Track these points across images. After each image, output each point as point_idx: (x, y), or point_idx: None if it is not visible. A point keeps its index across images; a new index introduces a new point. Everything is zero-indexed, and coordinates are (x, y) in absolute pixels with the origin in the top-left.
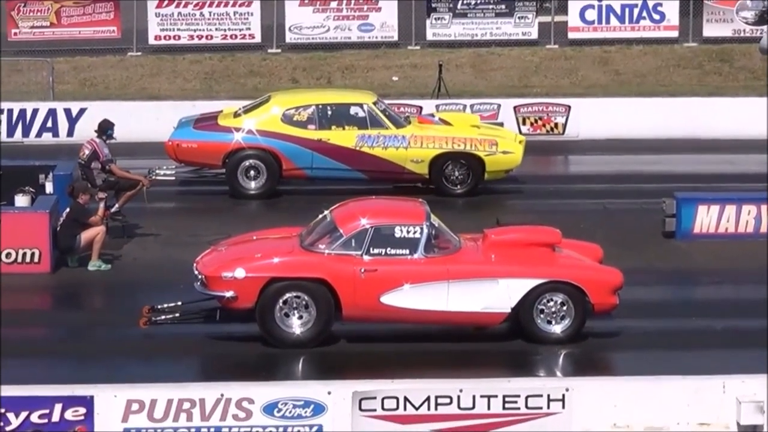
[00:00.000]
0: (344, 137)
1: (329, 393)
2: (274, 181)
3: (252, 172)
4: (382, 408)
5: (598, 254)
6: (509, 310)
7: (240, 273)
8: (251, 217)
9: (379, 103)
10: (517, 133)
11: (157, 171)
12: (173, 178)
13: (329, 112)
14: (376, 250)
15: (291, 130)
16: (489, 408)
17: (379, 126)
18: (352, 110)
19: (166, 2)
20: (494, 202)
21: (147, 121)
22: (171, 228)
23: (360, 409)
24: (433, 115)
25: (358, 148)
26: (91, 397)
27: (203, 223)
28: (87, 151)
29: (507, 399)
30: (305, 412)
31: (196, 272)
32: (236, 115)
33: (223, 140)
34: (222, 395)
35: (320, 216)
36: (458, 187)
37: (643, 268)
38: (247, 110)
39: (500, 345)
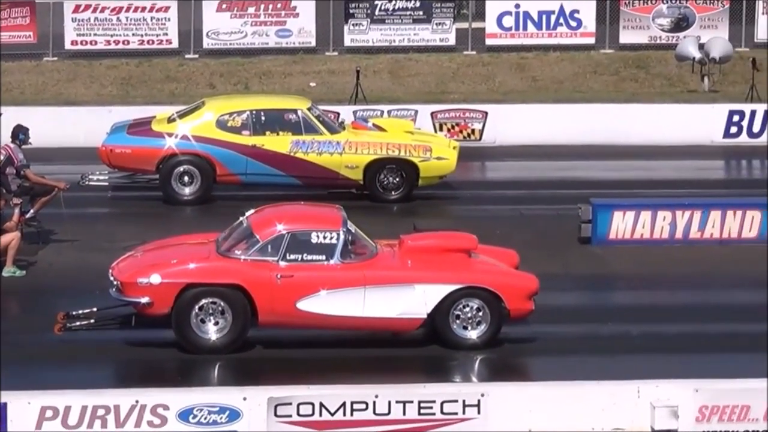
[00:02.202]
0: (278, 143)
1: (244, 399)
2: (208, 186)
3: (186, 178)
4: (298, 414)
5: (514, 260)
6: (425, 316)
7: (155, 279)
8: (184, 222)
9: (314, 108)
10: (451, 139)
11: (90, 176)
12: (106, 183)
13: (263, 118)
14: (292, 256)
15: (225, 135)
16: (404, 413)
17: (313, 132)
18: (287, 116)
19: (82, 7)
20: (428, 208)
21: (63, 126)
22: (89, 233)
23: (275, 415)
24: (366, 121)
25: (292, 154)
26: (4, 404)
27: (122, 229)
28: (1, 157)
29: (422, 404)
30: (220, 418)
31: (112, 278)
32: (170, 120)
33: (156, 146)
34: (137, 401)
35: (237, 222)
36: (393, 192)
37: (559, 274)
38: (181, 115)
39: (417, 351)
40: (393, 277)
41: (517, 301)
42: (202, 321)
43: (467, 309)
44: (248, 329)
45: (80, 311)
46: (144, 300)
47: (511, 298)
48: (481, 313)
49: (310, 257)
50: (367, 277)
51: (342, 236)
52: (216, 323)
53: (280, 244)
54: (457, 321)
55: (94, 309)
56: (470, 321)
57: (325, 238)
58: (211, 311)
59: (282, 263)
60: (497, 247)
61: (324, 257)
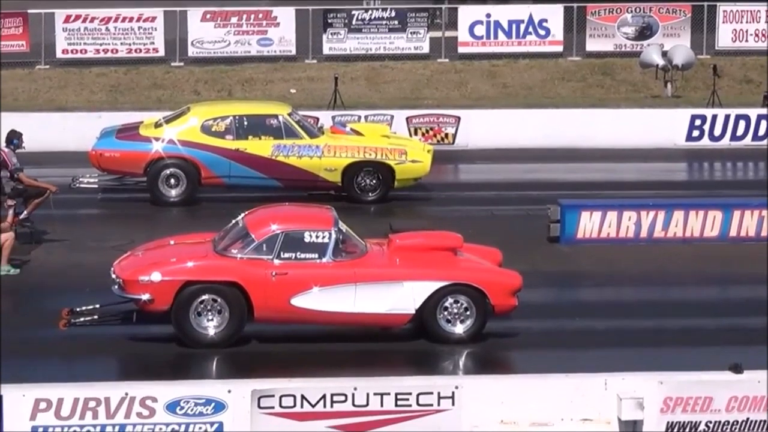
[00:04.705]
0: (260, 147)
1: (229, 391)
2: (194, 188)
3: (172, 180)
4: (280, 405)
5: (497, 258)
6: (413, 312)
7: (156, 276)
8: (171, 223)
9: (294, 114)
10: (425, 143)
11: (81, 179)
12: (96, 186)
13: (246, 123)
14: (286, 255)
15: (209, 140)
16: (382, 405)
17: (293, 136)
18: (268, 121)
19: (73, 17)
20: (403, 209)
21: (55, 131)
22: (79, 233)
23: (259, 406)
24: (344, 125)
25: (273, 158)
26: (0, 397)
27: (111, 229)
28: None
29: (399, 396)
30: (206, 409)
31: (114, 276)
32: (157, 125)
33: (144, 150)
34: (126, 394)
35: (232, 222)
36: (369, 194)
37: (528, 272)
38: (168, 121)
39: (405, 345)
40: (382, 275)
41: (501, 297)
42: (201, 316)
43: (454, 305)
44: (244, 324)
45: (84, 308)
46: (145, 297)
47: (496, 295)
48: (466, 309)
49: (303, 256)
50: (358, 275)
51: (333, 235)
52: (214, 319)
53: (275, 243)
54: (444, 316)
55: (97, 306)
56: (456, 316)
57: (317, 237)
58: (209, 307)
59: (276, 261)
60: (481, 245)
61: (316, 255)
